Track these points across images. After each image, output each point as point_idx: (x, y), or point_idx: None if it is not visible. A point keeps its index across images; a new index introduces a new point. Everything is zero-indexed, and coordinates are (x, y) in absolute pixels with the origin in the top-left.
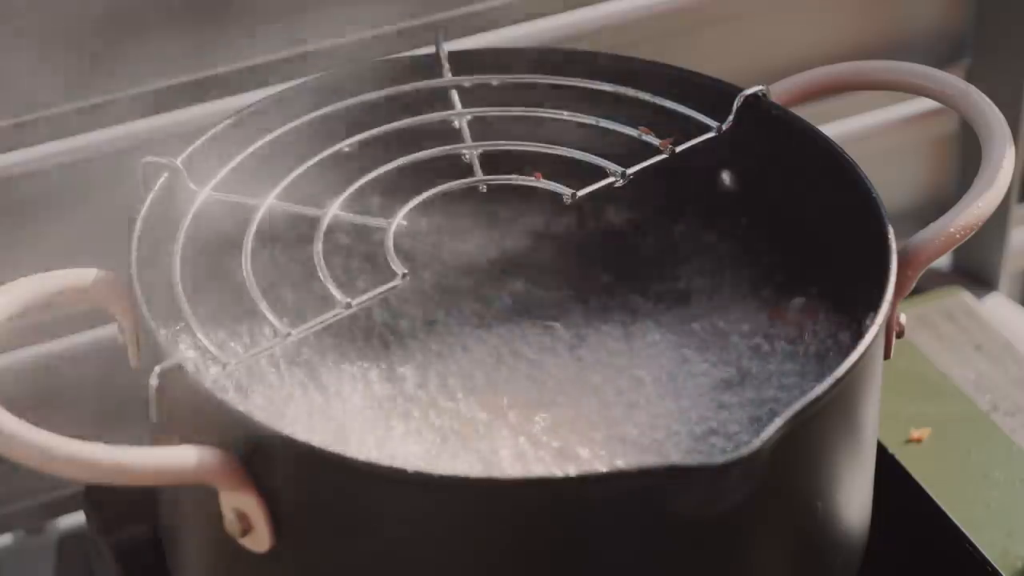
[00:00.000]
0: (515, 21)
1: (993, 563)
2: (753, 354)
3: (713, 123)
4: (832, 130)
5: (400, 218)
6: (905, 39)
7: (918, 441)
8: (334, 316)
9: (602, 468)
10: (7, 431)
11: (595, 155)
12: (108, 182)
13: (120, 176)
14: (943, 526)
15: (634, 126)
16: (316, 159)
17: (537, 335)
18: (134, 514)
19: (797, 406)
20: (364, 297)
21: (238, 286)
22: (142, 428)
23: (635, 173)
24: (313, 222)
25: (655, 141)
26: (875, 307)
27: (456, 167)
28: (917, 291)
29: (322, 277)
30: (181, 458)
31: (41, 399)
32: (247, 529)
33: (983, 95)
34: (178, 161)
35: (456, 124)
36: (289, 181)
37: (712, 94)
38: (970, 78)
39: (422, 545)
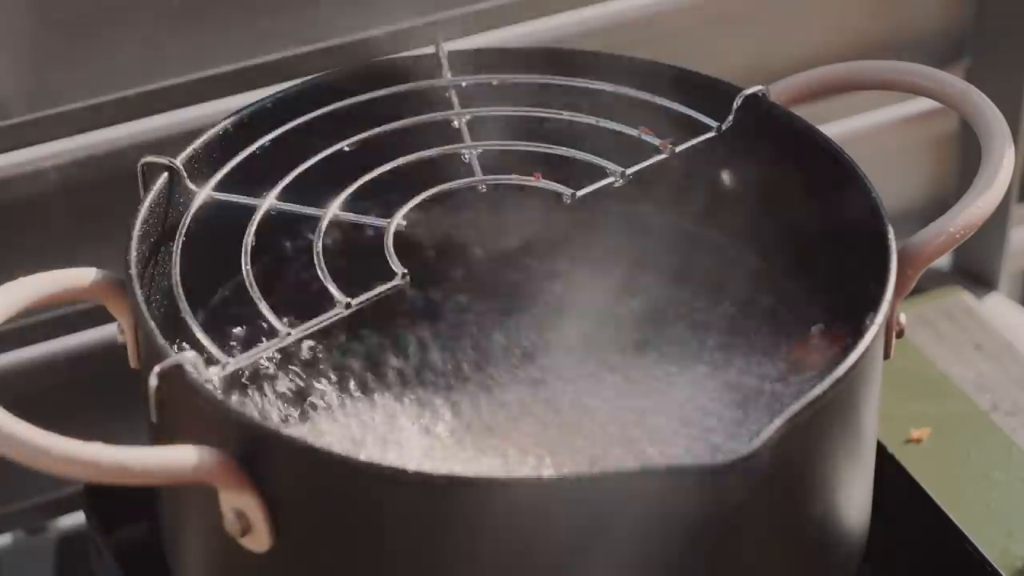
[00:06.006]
0: (515, 21)
1: (993, 563)
2: (759, 357)
3: (713, 123)
4: (832, 130)
5: (400, 218)
6: (905, 39)
7: (918, 441)
8: (334, 316)
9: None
10: (7, 431)
11: (595, 155)
12: (108, 182)
13: (120, 176)
14: (943, 526)
15: (634, 126)
16: (316, 159)
17: (539, 341)
18: (134, 514)
19: (797, 406)
20: (364, 297)
21: (238, 286)
22: (142, 428)
23: (635, 173)
24: (313, 222)
25: (655, 141)
26: (875, 307)
27: (456, 167)
28: (917, 291)
29: (322, 277)
30: (181, 458)
31: (41, 399)
32: (247, 529)
33: (983, 95)
34: (178, 161)
35: (456, 124)
36: (289, 181)
37: (712, 94)
38: (970, 78)
39: (422, 545)
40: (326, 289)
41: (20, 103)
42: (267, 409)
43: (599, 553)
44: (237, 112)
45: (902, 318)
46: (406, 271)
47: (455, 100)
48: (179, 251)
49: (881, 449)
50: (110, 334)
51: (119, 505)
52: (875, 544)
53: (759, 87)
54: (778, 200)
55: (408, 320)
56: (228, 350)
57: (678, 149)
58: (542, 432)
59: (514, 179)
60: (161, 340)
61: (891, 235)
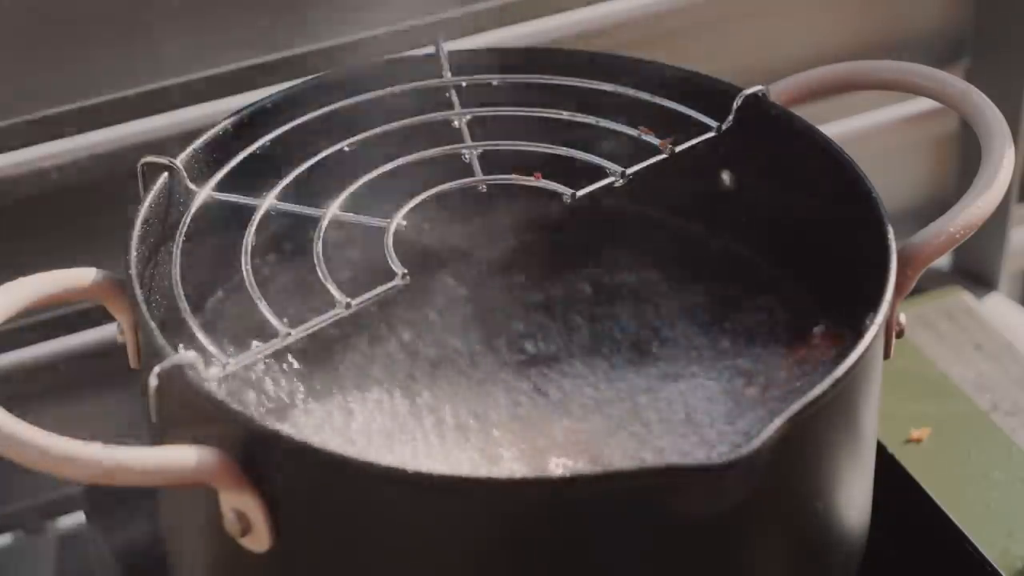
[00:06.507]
0: (515, 21)
1: (993, 563)
2: (759, 356)
3: (713, 123)
4: (832, 130)
5: (400, 218)
6: (905, 39)
7: (918, 441)
8: (334, 316)
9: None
10: (7, 431)
11: (595, 155)
12: (108, 182)
13: (120, 176)
14: (943, 526)
15: (634, 126)
16: (316, 159)
17: (539, 341)
18: (134, 514)
19: (797, 406)
20: (364, 297)
21: (238, 286)
22: (142, 428)
23: (635, 173)
24: (313, 222)
25: (655, 141)
26: (875, 307)
27: (456, 167)
28: (917, 291)
29: (322, 277)
30: (181, 458)
31: (41, 399)
32: (247, 529)
33: (983, 95)
34: (178, 161)
35: (456, 124)
36: (289, 181)
37: (712, 94)
38: (970, 78)
39: (422, 545)
40: (326, 289)
41: (20, 103)
42: (267, 409)
43: (599, 553)
44: (237, 112)
45: (902, 318)
46: (406, 271)
47: (455, 100)
48: (179, 251)
49: (881, 449)
50: (110, 334)
51: (119, 505)
52: (875, 544)
53: (759, 87)
54: (778, 200)
55: (408, 320)
56: (228, 350)
57: (678, 149)
58: (542, 431)
59: (514, 179)
60: (161, 340)
61: (891, 235)
